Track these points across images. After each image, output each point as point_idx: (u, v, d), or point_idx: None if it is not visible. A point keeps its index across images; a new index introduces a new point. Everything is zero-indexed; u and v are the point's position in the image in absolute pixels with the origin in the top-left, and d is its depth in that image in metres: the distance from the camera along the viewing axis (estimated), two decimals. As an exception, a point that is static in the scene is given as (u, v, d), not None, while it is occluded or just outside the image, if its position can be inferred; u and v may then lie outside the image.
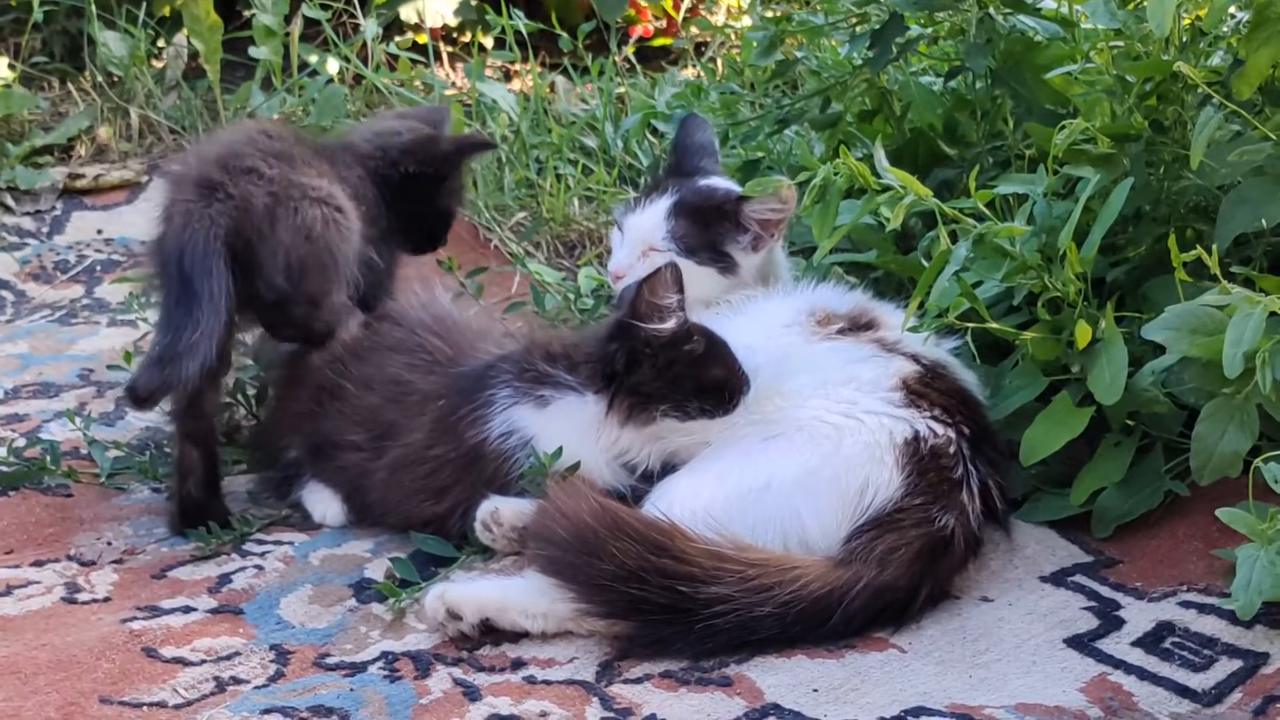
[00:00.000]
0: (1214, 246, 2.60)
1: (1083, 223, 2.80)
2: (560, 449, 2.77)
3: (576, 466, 2.77)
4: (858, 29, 3.59)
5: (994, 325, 2.83)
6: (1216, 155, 2.87)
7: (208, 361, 2.81)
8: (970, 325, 2.82)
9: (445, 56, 5.69)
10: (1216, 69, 3.01)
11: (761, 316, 3.02)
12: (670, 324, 2.75)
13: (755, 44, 3.74)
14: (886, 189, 2.78)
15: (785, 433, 2.74)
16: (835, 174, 2.78)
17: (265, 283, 2.94)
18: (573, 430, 2.80)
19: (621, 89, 5.04)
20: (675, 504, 2.67)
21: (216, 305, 2.83)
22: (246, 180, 2.95)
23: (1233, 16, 2.99)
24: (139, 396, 2.90)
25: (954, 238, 2.81)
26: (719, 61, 5.26)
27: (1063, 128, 2.88)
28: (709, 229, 3.12)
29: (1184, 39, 2.98)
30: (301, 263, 2.95)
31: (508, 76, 5.67)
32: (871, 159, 2.84)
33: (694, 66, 5.38)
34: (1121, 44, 3.03)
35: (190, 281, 2.83)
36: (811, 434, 2.72)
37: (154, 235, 3.00)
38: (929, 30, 3.62)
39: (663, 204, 3.15)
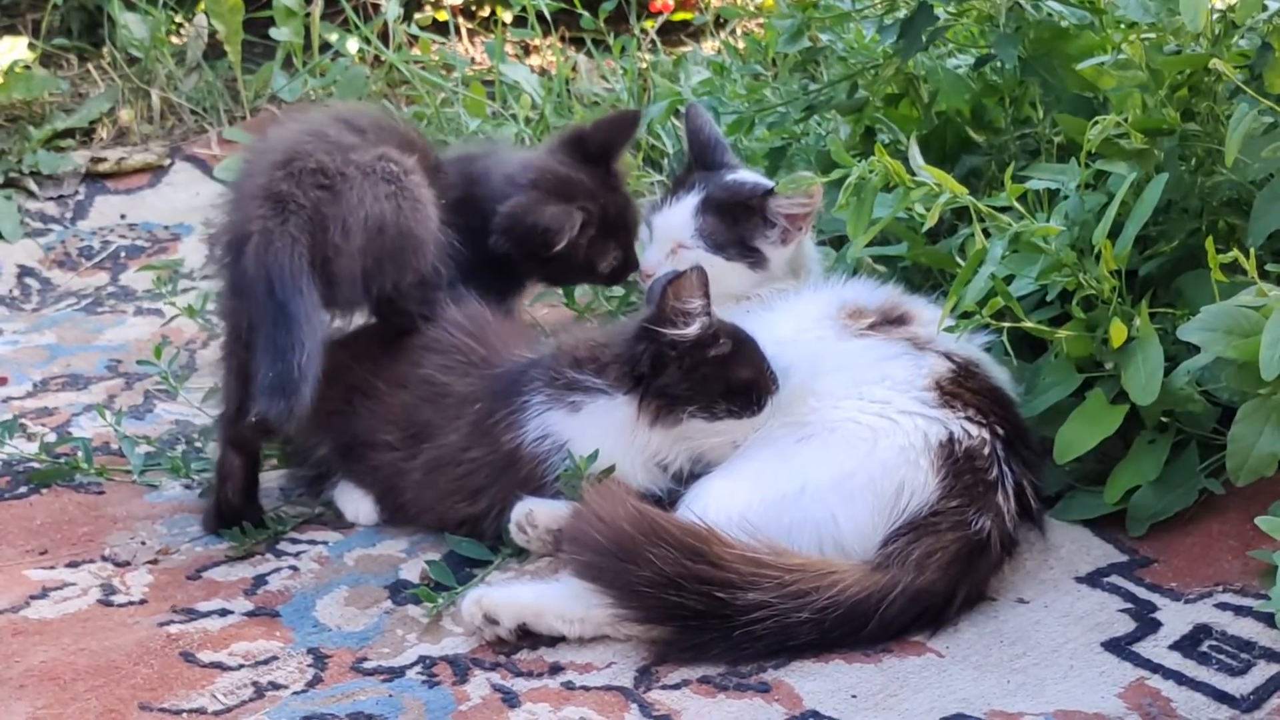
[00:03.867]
0: (1248, 244, 2.59)
1: (1115, 217, 2.79)
2: (596, 452, 2.77)
3: (612, 469, 2.78)
4: (886, 17, 3.57)
5: (1029, 325, 2.82)
6: (1250, 149, 2.84)
7: (316, 380, 2.81)
8: (1005, 325, 2.81)
9: (465, 33, 5.67)
10: (1245, 53, 2.99)
11: (792, 312, 3.02)
12: (695, 327, 2.75)
13: (781, 31, 3.72)
14: (921, 185, 2.77)
15: (819, 434, 2.74)
16: (870, 172, 2.77)
17: (344, 295, 2.93)
18: (605, 433, 2.80)
19: (643, 64, 5.02)
20: (710, 507, 2.66)
21: (313, 325, 2.81)
22: (312, 184, 2.90)
23: (1265, 8, 2.96)
24: (272, 430, 2.96)
25: (986, 234, 2.80)
26: (739, 35, 5.23)
27: (1096, 123, 2.86)
28: (737, 224, 3.12)
29: (1216, 31, 2.96)
30: (378, 261, 2.91)
31: (527, 51, 5.65)
32: (899, 146, 2.83)
33: (714, 40, 5.35)
34: (1153, 36, 3.01)
35: (285, 305, 2.79)
36: (846, 436, 2.72)
37: (224, 241, 2.96)
38: (955, 16, 3.59)
39: (690, 201, 3.15)
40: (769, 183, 3.16)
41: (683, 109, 4.25)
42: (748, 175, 3.26)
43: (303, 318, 2.79)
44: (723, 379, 2.78)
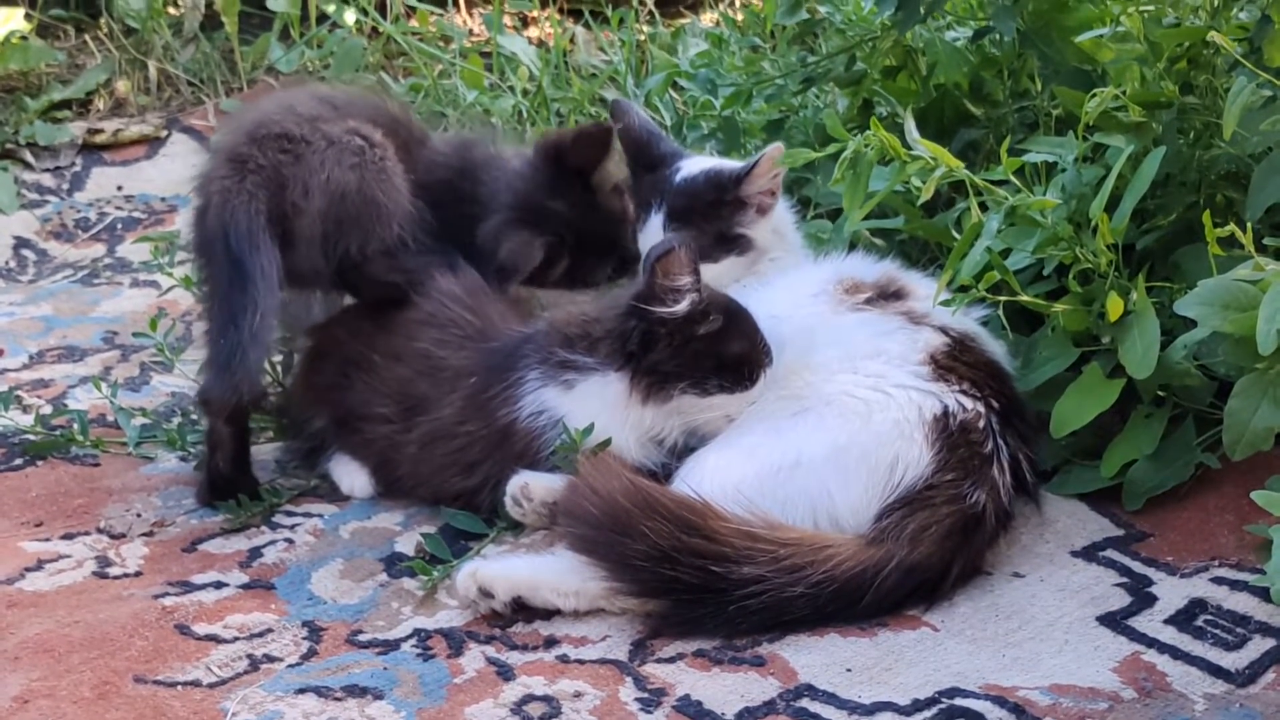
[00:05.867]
0: (1246, 217, 2.58)
1: (1113, 190, 2.78)
2: (591, 426, 2.77)
3: (607, 443, 2.77)
4: (884, -11, 3.55)
5: (1026, 298, 2.82)
6: (1248, 123, 2.83)
7: (270, 344, 2.80)
8: (1002, 298, 2.80)
9: (463, 5, 5.66)
10: (1244, 25, 2.98)
11: (789, 287, 3.00)
12: (684, 304, 2.73)
13: (779, 3, 3.71)
14: (917, 159, 2.76)
15: (814, 408, 2.73)
16: (866, 146, 2.76)
17: (304, 258, 2.93)
18: (600, 409, 2.79)
19: (641, 37, 5.00)
20: (705, 480, 2.65)
21: (269, 281, 2.82)
22: (275, 148, 2.92)
23: (1265, -21, 2.96)
24: (214, 408, 2.94)
25: (983, 208, 2.79)
26: (737, 8, 5.22)
27: (1094, 95, 2.85)
28: (710, 223, 3.10)
29: (1215, 3, 2.95)
30: (339, 225, 2.92)
31: (525, 23, 5.64)
32: (896, 119, 2.82)
33: (713, 12, 5.33)
34: (1152, 8, 3.00)
35: (240, 261, 2.81)
36: (840, 409, 2.70)
37: (193, 209, 2.98)
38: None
39: (656, 222, 3.12)
40: (717, 166, 3.15)
41: (684, 81, 4.25)
42: (693, 167, 3.19)
43: (258, 274, 2.81)
44: (714, 355, 2.77)
